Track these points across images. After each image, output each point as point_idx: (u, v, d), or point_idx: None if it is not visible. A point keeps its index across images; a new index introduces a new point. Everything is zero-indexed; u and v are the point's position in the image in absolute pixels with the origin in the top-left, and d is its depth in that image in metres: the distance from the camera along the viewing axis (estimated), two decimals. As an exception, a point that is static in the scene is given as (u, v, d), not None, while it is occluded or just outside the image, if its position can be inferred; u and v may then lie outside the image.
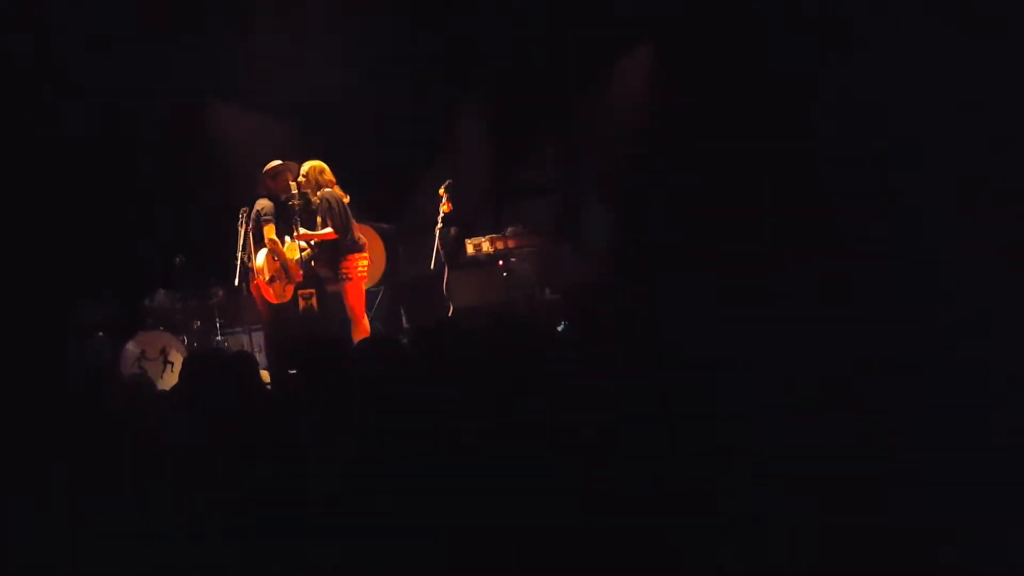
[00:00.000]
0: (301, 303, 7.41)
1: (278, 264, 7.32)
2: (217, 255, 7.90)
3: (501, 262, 8.69)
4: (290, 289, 7.42)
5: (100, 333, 7.82)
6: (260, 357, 7.52)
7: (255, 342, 8.26)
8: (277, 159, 7.53)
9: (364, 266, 7.32)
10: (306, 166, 7.31)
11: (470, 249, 8.72)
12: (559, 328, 6.04)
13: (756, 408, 3.08)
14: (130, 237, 8.30)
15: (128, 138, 8.31)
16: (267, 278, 7.30)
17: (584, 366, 3.61)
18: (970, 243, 4.86)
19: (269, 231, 7.25)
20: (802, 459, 2.90)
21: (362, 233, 7.50)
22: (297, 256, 7.32)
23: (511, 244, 8.71)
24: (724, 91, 7.15)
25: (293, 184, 7.28)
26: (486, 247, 8.68)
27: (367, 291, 7.75)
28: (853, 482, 2.84)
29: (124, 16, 7.92)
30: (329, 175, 7.29)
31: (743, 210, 6.59)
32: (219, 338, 8.15)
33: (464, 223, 9.36)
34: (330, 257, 7.29)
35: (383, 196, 9.24)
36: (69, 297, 7.84)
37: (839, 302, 4.37)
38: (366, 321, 7.37)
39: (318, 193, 7.23)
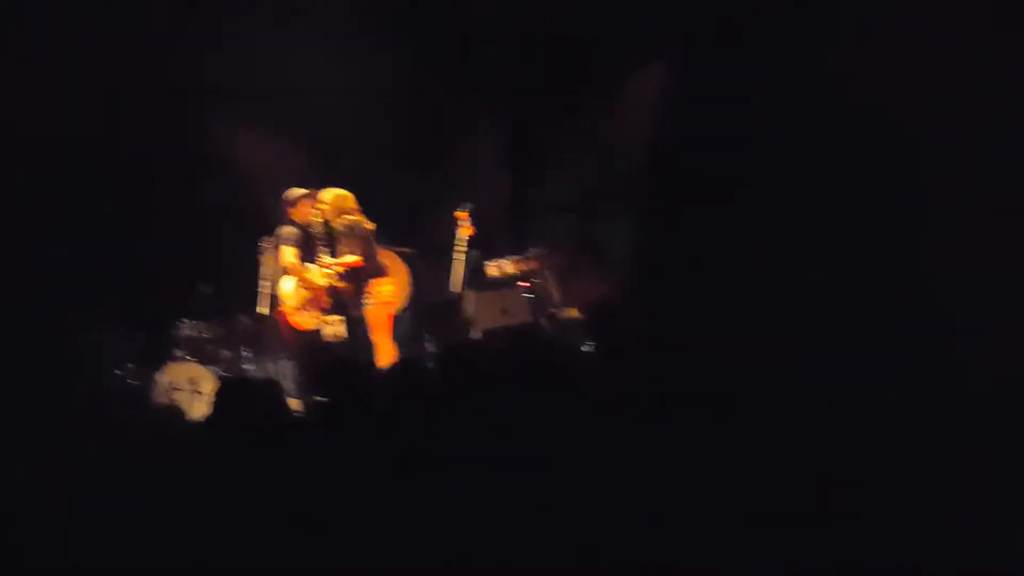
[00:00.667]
0: (328, 330, 7.43)
1: (304, 291, 7.37)
2: (242, 284, 7.96)
3: (523, 283, 8.69)
4: (316, 315, 7.46)
5: (130, 364, 7.88)
6: (287, 384, 7.55)
7: (282, 370, 8.29)
8: (298, 187, 7.60)
9: (388, 292, 7.36)
10: (329, 194, 7.36)
11: (492, 271, 8.73)
12: (583, 348, 6.04)
13: (788, 421, 3.07)
14: (157, 267, 8.37)
15: (156, 173, 8.41)
16: (292, 305, 7.34)
17: (610, 384, 3.61)
18: None
19: (286, 254, 7.29)
20: (834, 470, 2.89)
21: (385, 258, 7.55)
22: (322, 283, 7.37)
23: (533, 265, 8.71)
24: (749, 104, 7.12)
25: (315, 212, 7.34)
26: (508, 268, 8.69)
27: (391, 316, 7.79)
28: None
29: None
30: (352, 202, 7.34)
31: (770, 224, 6.56)
32: (246, 367, 8.18)
33: (485, 245, 9.38)
34: (355, 283, 7.34)
35: (404, 221, 9.27)
36: (99, 328, 7.91)
37: (872, 314, 4.32)
38: (392, 346, 7.40)
39: (341, 220, 7.28)
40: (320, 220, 7.31)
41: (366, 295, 7.27)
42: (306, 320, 7.42)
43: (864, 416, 3.13)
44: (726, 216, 7.02)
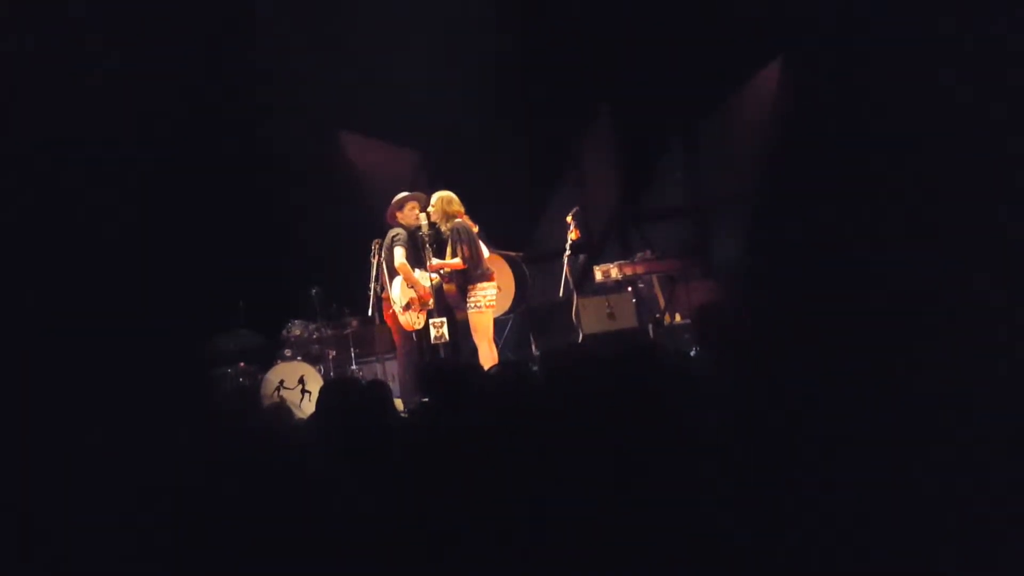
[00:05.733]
0: (433, 331, 7.50)
1: (411, 293, 7.45)
2: (351, 286, 8.10)
3: (630, 288, 8.64)
4: (423, 316, 7.54)
5: (241, 363, 8.07)
6: (393, 385, 7.64)
7: (388, 371, 8.41)
8: (405, 191, 7.70)
9: (492, 295, 7.38)
10: (435, 197, 7.44)
11: (599, 275, 8.70)
12: (691, 353, 5.97)
13: (898, 435, 2.98)
14: (269, 269, 8.54)
15: (271, 178, 8.59)
16: (402, 306, 7.43)
17: (718, 391, 3.55)
18: None
19: (397, 256, 7.39)
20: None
21: (491, 262, 7.58)
22: (429, 285, 7.45)
23: (640, 270, 8.66)
24: (859, 110, 6.93)
25: (422, 215, 7.41)
26: (615, 273, 8.65)
27: (498, 319, 7.81)
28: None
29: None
30: (458, 205, 7.40)
31: (879, 231, 6.38)
32: (354, 367, 8.31)
33: (592, 250, 9.36)
34: (460, 286, 7.39)
35: (511, 225, 9.32)
36: (212, 328, 8.11)
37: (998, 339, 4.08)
38: (494, 349, 7.43)
39: (448, 224, 7.34)
40: (427, 222, 7.38)
41: (470, 298, 7.30)
42: (412, 321, 7.50)
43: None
44: (836, 222, 6.86)
